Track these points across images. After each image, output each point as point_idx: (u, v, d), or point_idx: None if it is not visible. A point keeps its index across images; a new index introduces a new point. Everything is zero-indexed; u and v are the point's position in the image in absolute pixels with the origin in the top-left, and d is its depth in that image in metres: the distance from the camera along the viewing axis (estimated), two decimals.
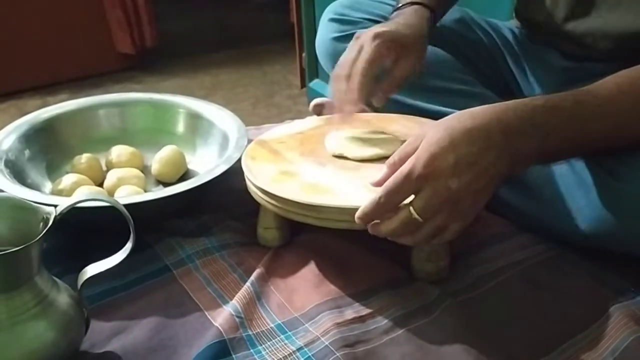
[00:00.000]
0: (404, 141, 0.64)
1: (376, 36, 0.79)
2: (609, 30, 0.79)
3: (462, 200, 0.58)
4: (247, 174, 0.73)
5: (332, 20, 1.01)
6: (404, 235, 0.60)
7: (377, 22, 0.98)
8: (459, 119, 0.60)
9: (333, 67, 1.02)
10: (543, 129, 0.59)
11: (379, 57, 0.78)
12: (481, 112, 0.60)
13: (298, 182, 0.70)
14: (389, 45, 0.79)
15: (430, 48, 0.88)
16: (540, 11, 0.88)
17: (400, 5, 0.90)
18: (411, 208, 0.58)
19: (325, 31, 1.01)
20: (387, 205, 0.59)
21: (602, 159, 0.66)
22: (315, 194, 0.67)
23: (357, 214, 0.60)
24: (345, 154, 0.75)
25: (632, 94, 0.61)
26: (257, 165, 0.74)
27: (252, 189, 0.72)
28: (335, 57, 1.00)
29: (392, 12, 0.90)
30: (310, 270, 0.70)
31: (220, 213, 0.81)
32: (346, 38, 0.98)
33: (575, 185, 0.68)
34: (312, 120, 0.88)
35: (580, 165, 0.68)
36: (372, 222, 0.60)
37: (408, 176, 0.57)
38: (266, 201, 0.70)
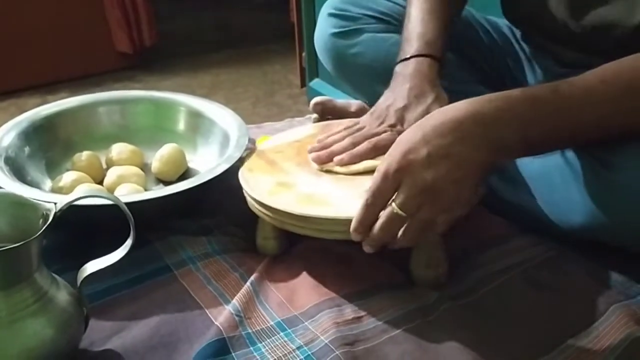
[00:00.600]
0: None
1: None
2: (609, 24, 0.78)
3: (442, 191, 0.58)
4: (244, 186, 0.73)
5: (332, 15, 0.99)
6: (394, 234, 0.60)
7: (377, 18, 0.97)
8: (430, 116, 0.61)
9: (332, 62, 1.02)
10: (523, 118, 0.59)
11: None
12: (456, 106, 0.61)
13: (294, 194, 0.70)
14: None
15: None
16: (531, 13, 0.87)
17: (403, 57, 0.82)
18: (393, 204, 0.59)
19: (324, 26, 1.00)
20: (374, 206, 0.60)
21: (593, 149, 0.65)
22: (310, 205, 0.67)
23: (351, 227, 0.61)
24: (335, 169, 0.74)
25: (616, 84, 0.60)
26: (254, 177, 0.74)
27: (249, 201, 0.73)
28: (334, 52, 1.00)
29: (397, 62, 0.83)
30: (309, 274, 0.70)
31: (221, 216, 0.81)
32: (346, 34, 0.97)
33: (569, 177, 0.68)
34: (310, 128, 0.88)
35: (572, 156, 0.68)
36: (365, 240, 0.61)
37: (385, 174, 0.59)
38: (263, 213, 0.70)
